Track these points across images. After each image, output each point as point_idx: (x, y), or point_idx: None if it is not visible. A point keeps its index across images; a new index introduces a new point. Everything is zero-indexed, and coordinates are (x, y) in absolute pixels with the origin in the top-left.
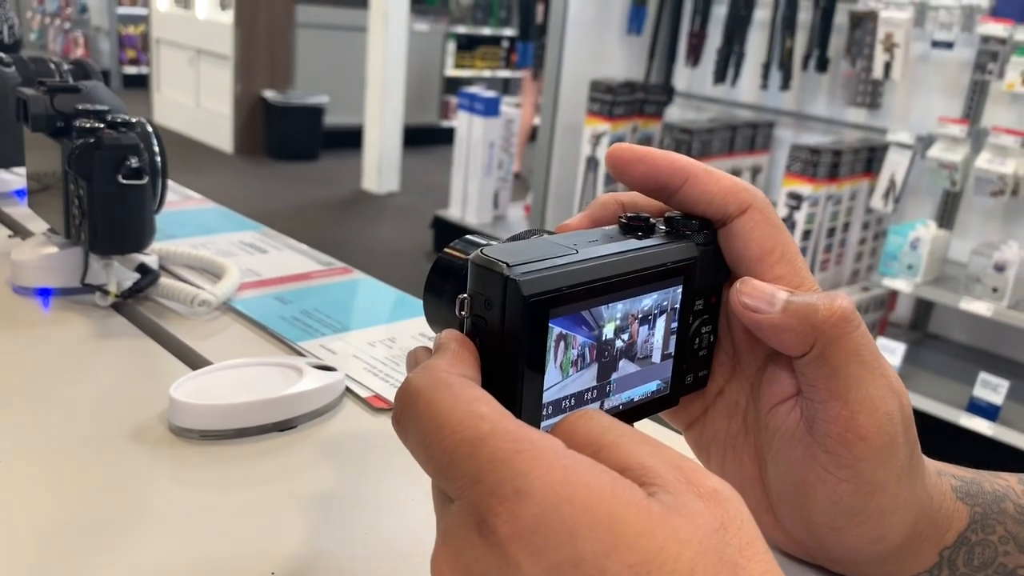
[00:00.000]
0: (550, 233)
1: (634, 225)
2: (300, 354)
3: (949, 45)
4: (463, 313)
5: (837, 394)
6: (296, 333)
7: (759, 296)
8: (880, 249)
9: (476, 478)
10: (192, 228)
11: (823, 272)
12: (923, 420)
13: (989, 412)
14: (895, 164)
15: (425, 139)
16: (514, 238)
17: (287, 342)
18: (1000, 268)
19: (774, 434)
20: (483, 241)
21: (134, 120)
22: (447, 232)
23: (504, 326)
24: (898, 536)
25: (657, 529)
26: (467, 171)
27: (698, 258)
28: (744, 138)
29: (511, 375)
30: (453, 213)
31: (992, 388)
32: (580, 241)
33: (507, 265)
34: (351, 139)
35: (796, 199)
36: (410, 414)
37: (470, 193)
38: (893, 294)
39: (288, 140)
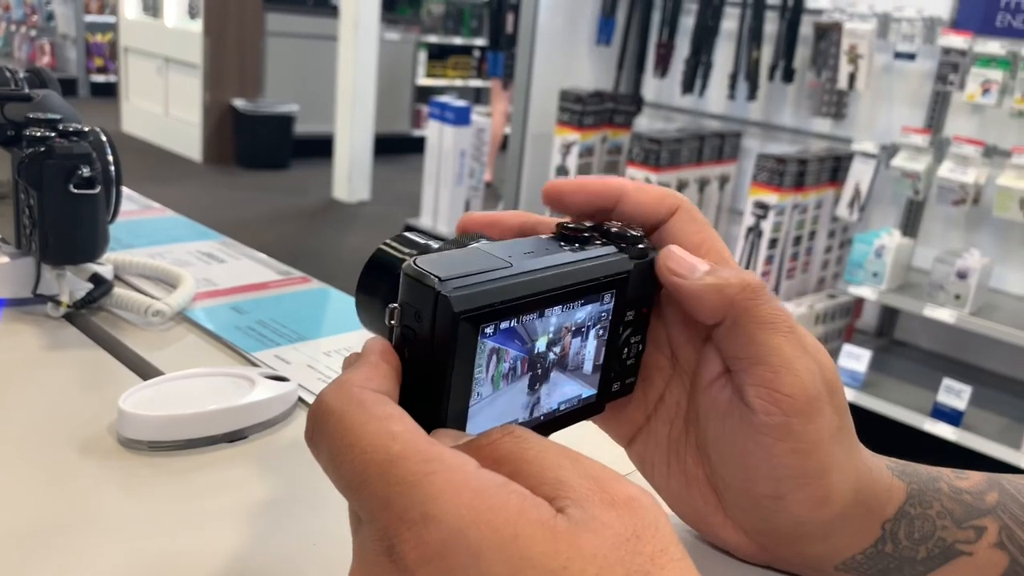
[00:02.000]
0: (487, 239)
1: (570, 236)
2: (254, 364)
3: (911, 56)
4: (392, 322)
5: (758, 359)
6: (251, 343)
7: (683, 264)
8: (846, 257)
9: (385, 501)
10: (150, 237)
11: (790, 280)
12: (888, 425)
13: (952, 417)
14: (860, 173)
15: (396, 148)
16: (452, 243)
17: (241, 352)
18: (962, 275)
19: (710, 413)
20: (421, 240)
21: (87, 129)
22: None
23: (434, 339)
24: (840, 500)
25: (561, 548)
26: (438, 180)
27: (632, 271)
28: (712, 148)
29: (439, 387)
30: (424, 222)
31: (956, 394)
32: (515, 253)
33: (439, 279)
34: (321, 148)
35: (763, 208)
36: (321, 432)
37: (441, 202)
38: (859, 301)
39: (258, 149)
